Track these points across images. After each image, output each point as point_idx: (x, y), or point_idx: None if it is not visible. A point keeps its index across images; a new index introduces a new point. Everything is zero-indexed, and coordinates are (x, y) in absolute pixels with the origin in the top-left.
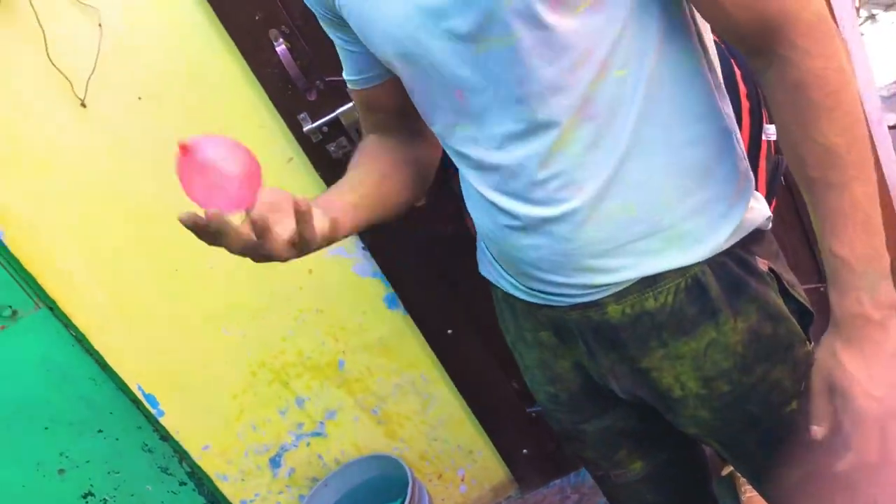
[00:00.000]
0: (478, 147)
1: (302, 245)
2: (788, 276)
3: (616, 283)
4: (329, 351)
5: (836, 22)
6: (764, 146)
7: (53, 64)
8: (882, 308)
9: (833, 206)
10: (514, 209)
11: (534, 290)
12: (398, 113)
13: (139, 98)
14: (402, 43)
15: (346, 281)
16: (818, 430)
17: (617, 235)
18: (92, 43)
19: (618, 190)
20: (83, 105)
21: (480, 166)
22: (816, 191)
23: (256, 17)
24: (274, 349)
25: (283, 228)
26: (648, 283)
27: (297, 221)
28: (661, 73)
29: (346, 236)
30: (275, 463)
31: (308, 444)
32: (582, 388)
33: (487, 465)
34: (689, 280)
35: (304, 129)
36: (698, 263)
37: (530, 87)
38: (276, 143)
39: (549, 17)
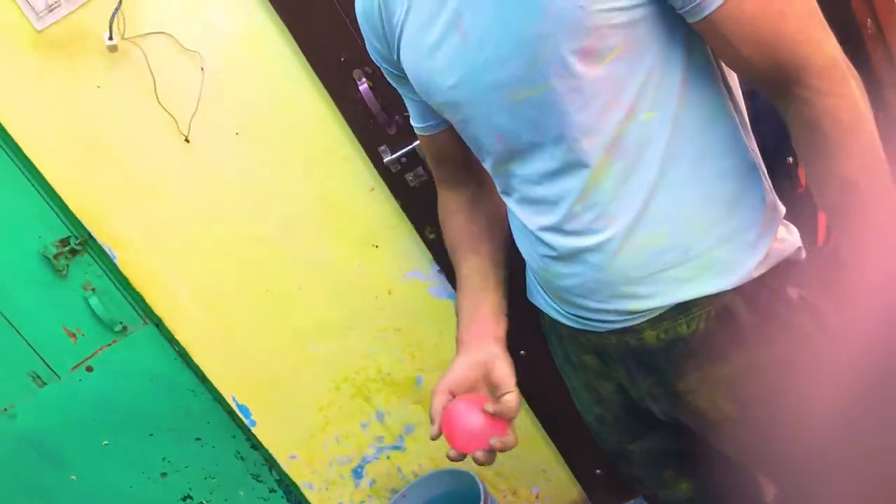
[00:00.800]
0: (520, 183)
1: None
2: (825, 304)
3: (650, 310)
4: (407, 368)
5: None
6: None
7: (161, 105)
8: None
9: (853, 231)
10: (553, 240)
11: (576, 315)
12: (463, 162)
13: (236, 133)
14: (448, 93)
15: (422, 302)
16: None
17: (649, 264)
18: (195, 85)
19: (648, 221)
20: (187, 140)
21: (523, 200)
22: (837, 216)
23: (342, 59)
24: (356, 365)
25: None
26: (681, 309)
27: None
28: (686, 114)
29: None
30: (357, 474)
31: (388, 457)
32: (625, 410)
33: (561, 483)
34: (720, 307)
35: (385, 160)
36: (728, 291)
37: (564, 129)
38: (359, 174)
39: (580, 67)
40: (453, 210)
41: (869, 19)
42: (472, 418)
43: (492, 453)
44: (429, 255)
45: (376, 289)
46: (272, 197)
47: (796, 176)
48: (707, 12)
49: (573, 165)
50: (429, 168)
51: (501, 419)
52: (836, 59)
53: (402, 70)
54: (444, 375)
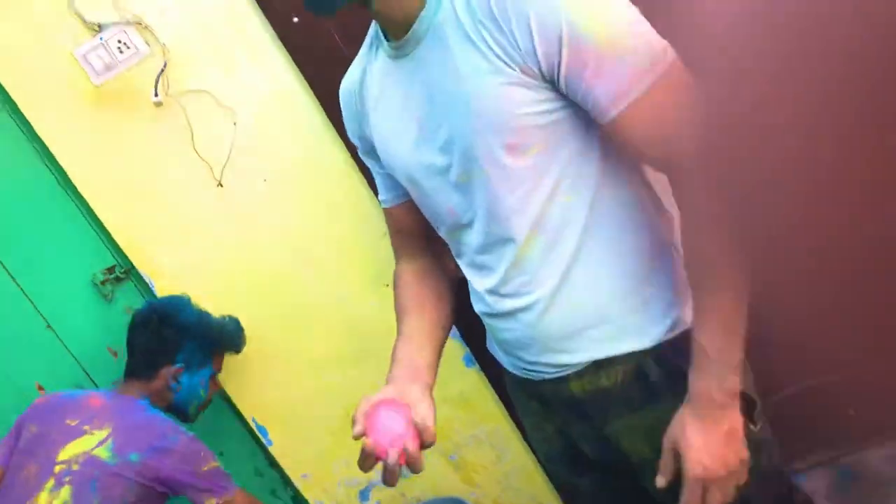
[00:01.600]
0: (467, 250)
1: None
2: None
3: (574, 364)
4: None
5: None
6: None
7: (198, 153)
8: (726, 395)
9: (704, 304)
10: (493, 301)
11: (518, 366)
12: (419, 234)
13: (264, 180)
14: (408, 171)
15: None
16: (661, 481)
17: (570, 325)
18: (228, 137)
19: (569, 288)
20: (220, 185)
21: (471, 265)
22: (694, 288)
23: None
24: (367, 389)
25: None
26: (601, 365)
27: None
28: (603, 198)
29: None
30: (364, 496)
31: None
32: (567, 449)
33: None
34: (634, 365)
35: None
36: (641, 352)
37: (497, 209)
38: (373, 220)
39: (507, 159)
40: (407, 280)
41: None
42: (395, 421)
43: (396, 470)
44: None
45: (388, 325)
46: (295, 237)
47: None
48: (609, 118)
49: (505, 239)
50: None
51: (418, 436)
52: (703, 160)
53: (372, 147)
54: (384, 392)
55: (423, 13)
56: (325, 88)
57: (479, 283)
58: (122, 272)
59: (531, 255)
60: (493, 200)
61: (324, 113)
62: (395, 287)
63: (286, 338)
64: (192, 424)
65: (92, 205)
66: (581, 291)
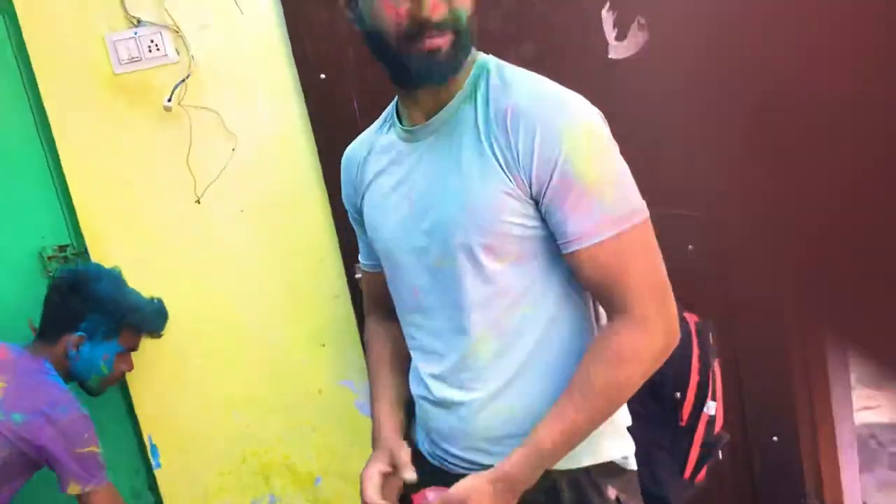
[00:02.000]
0: (421, 333)
1: None
2: None
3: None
4: (311, 466)
5: None
6: (702, 422)
7: (188, 165)
8: (525, 484)
9: (564, 409)
10: (434, 386)
11: (437, 455)
12: (389, 299)
13: (241, 210)
14: (388, 245)
15: (346, 411)
16: (432, 496)
17: (499, 428)
18: (223, 159)
19: (508, 394)
20: (198, 202)
21: (420, 348)
22: (567, 393)
23: None
24: (267, 446)
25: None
26: None
27: None
28: (561, 318)
29: None
30: None
31: None
32: None
33: None
34: (549, 483)
35: (357, 276)
36: (555, 471)
37: (462, 300)
38: (331, 279)
39: (483, 258)
40: (382, 337)
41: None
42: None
43: None
44: (366, 372)
45: (310, 384)
46: (250, 274)
47: (680, 410)
48: (571, 249)
49: (462, 331)
50: None
51: None
52: (649, 317)
53: (362, 215)
54: (372, 461)
55: (448, 106)
56: (328, 147)
57: (424, 368)
58: (74, 253)
59: (482, 354)
60: (460, 290)
61: (320, 170)
62: (368, 341)
63: (209, 365)
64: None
65: (69, 180)
66: (518, 400)
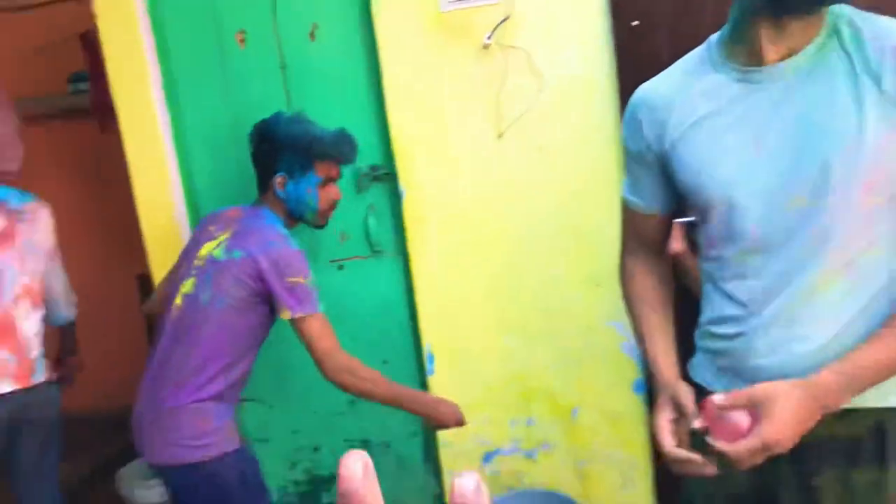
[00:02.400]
0: (753, 273)
1: None
2: None
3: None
4: (571, 397)
5: None
6: None
7: (499, 101)
8: (838, 402)
9: None
10: (763, 328)
11: None
12: (659, 242)
13: (539, 148)
14: (728, 190)
15: (611, 351)
16: (720, 397)
17: None
18: (528, 99)
19: (846, 338)
20: (500, 136)
21: (749, 289)
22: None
23: None
24: (532, 372)
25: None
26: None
27: None
28: None
29: None
30: (486, 458)
31: (519, 459)
32: (752, 492)
33: None
34: (872, 421)
35: None
36: (884, 409)
37: (817, 238)
38: (610, 227)
39: (862, 196)
40: (642, 272)
41: None
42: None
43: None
44: None
45: (580, 321)
46: (539, 208)
47: None
48: None
49: (806, 270)
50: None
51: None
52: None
53: (657, 156)
54: (659, 410)
55: (805, 51)
56: (632, 76)
57: (753, 308)
58: (384, 174)
59: (829, 295)
60: (821, 231)
61: (619, 117)
62: (628, 279)
63: (490, 289)
64: (372, 321)
65: (388, 107)
66: (854, 344)
